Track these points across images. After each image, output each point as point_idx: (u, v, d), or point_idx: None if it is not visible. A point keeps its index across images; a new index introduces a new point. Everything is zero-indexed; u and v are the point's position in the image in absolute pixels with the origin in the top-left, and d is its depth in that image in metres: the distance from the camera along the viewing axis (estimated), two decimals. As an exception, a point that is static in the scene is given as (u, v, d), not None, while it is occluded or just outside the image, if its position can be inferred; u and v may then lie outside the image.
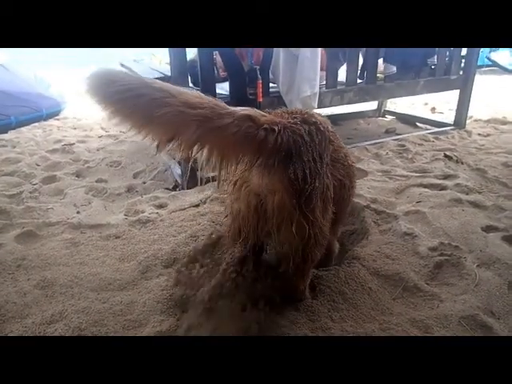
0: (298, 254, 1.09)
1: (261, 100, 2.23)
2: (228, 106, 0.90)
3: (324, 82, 2.63)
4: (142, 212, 1.90)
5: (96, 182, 2.37)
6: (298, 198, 0.99)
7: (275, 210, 1.01)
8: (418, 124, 3.67)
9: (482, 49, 4.84)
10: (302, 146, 0.96)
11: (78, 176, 2.47)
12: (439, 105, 4.36)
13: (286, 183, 0.97)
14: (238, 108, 0.92)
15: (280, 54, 2.36)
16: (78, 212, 1.94)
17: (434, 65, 3.05)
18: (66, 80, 5.31)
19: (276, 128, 0.92)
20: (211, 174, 2.26)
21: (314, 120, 1.06)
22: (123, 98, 0.83)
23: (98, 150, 2.95)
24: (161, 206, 1.99)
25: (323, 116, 1.19)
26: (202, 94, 0.90)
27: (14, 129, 3.44)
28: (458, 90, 3.24)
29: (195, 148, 0.88)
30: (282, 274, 1.20)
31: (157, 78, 2.27)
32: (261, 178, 0.99)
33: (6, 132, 3.34)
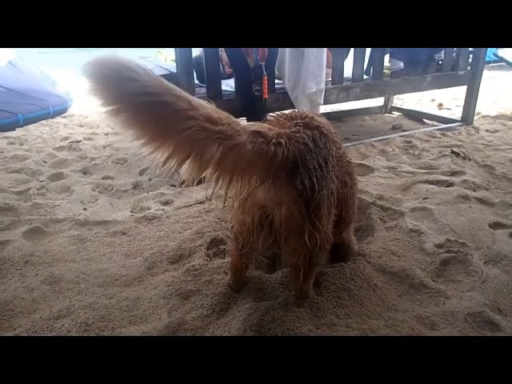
0: (304, 260, 1.09)
1: (266, 96, 2.23)
2: (237, 120, 0.86)
3: (330, 78, 2.61)
4: (148, 209, 1.91)
5: (102, 178, 2.38)
6: (307, 208, 0.97)
7: (283, 222, 1.00)
8: (424, 120, 3.64)
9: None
10: (307, 155, 0.93)
11: (84, 173, 2.48)
12: (446, 101, 4.32)
13: (293, 195, 0.95)
14: (246, 123, 0.88)
15: (286, 50, 2.35)
16: (84, 209, 1.95)
17: (442, 60, 3.02)
18: (72, 78, 5.33)
19: (283, 141, 0.88)
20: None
21: (316, 124, 1.02)
22: (142, 102, 0.72)
23: (104, 148, 2.96)
24: (167, 203, 2.00)
25: (322, 117, 1.15)
26: (215, 107, 0.84)
27: (21, 126, 3.47)
28: (465, 86, 3.20)
29: (210, 167, 0.81)
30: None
31: (163, 75, 2.28)
32: (267, 190, 0.96)
33: (14, 129, 3.36)
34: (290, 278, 1.21)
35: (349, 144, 2.77)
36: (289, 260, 1.13)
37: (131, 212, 1.89)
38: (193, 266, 1.41)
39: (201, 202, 1.94)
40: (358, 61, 2.68)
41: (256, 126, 0.88)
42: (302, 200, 0.96)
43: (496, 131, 3.14)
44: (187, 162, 0.80)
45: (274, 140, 0.87)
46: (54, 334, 1.12)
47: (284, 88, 2.45)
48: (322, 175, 0.97)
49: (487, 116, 3.61)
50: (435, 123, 3.48)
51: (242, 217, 1.06)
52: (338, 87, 2.63)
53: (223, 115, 0.82)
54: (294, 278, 1.18)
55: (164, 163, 0.80)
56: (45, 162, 2.59)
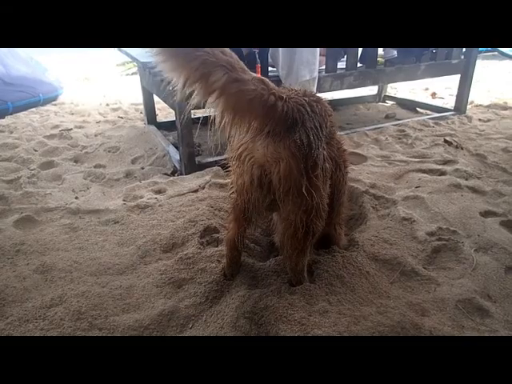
0: (301, 225, 1.10)
1: (259, 84, 2.21)
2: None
3: (323, 66, 2.60)
4: (141, 197, 1.90)
5: (94, 167, 2.36)
6: (305, 163, 1.01)
7: (281, 179, 1.02)
8: (418, 109, 3.64)
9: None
10: (305, 114, 1.01)
11: (76, 161, 2.46)
12: (440, 90, 4.32)
13: (292, 149, 0.99)
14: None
15: (279, 38, 2.32)
16: (76, 197, 1.93)
17: (435, 49, 3.01)
18: (63, 64, 5.24)
19: (284, 96, 0.98)
20: (209, 160, 2.25)
21: (313, 93, 1.13)
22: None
23: (95, 136, 2.93)
24: (159, 192, 1.99)
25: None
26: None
27: (11, 114, 3.42)
28: (459, 75, 3.21)
29: (214, 95, 0.91)
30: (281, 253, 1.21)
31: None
32: (266, 147, 1.01)
33: (3, 117, 3.32)
34: (285, 250, 1.20)
35: (342, 133, 2.77)
36: (285, 225, 1.14)
37: (123, 201, 1.88)
38: (186, 254, 1.41)
39: (194, 191, 1.93)
40: (351, 49, 2.66)
41: (259, 76, 0.98)
42: (300, 154, 1.00)
43: (488, 120, 3.15)
44: (196, 84, 0.91)
45: (275, 92, 0.96)
46: (46, 322, 1.12)
47: (277, 76, 2.42)
48: (319, 136, 1.04)
49: (480, 105, 3.62)
50: (428, 112, 3.48)
51: (242, 178, 1.09)
52: (332, 75, 2.61)
53: (233, 56, 0.93)
54: (289, 249, 1.18)
55: (183, 86, 0.92)
56: (35, 151, 2.56)
